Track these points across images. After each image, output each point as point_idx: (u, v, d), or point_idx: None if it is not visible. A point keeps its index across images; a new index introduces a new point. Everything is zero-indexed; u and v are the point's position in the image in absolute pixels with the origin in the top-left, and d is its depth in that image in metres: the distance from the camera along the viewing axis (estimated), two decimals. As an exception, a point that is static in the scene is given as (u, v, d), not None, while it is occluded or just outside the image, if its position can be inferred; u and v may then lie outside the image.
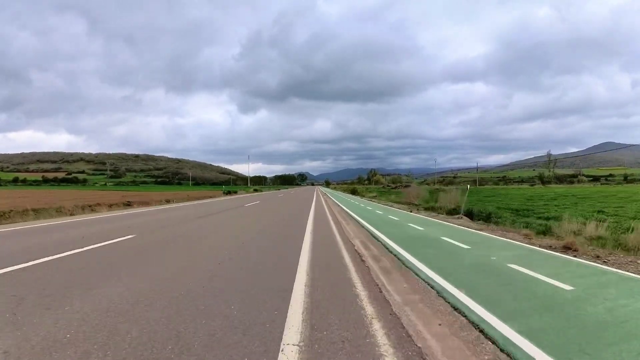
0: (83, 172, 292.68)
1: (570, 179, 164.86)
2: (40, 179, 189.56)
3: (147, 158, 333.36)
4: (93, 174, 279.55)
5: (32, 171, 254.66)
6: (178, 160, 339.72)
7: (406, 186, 64.46)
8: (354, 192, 53.71)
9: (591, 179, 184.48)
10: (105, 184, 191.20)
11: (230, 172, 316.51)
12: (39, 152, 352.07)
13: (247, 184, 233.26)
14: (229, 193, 43.24)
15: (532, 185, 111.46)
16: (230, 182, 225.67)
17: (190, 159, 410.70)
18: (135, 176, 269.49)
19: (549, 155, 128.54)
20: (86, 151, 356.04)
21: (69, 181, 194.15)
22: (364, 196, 43.40)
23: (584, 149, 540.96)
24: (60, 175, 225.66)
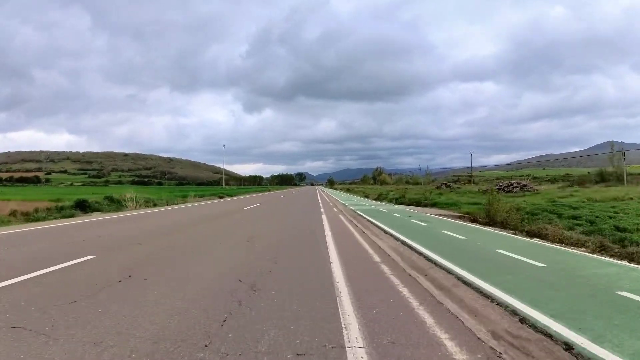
0: (65, 172, 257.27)
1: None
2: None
3: (137, 157, 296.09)
4: (75, 174, 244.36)
5: (14, 171, 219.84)
6: (170, 160, 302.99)
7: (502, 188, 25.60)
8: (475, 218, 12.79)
9: None
10: (72, 184, 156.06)
11: (224, 172, 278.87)
12: (25, 152, 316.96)
13: (241, 184, 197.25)
14: None
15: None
16: (220, 182, 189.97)
17: (192, 159, 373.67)
18: (120, 176, 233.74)
19: (612, 146, 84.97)
20: (74, 150, 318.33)
21: (28, 181, 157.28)
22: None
23: (586, 148, 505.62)
24: (38, 175, 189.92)
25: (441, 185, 45.49)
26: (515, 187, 27.88)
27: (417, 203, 20.76)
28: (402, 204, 22.73)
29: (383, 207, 19.19)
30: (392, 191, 37.37)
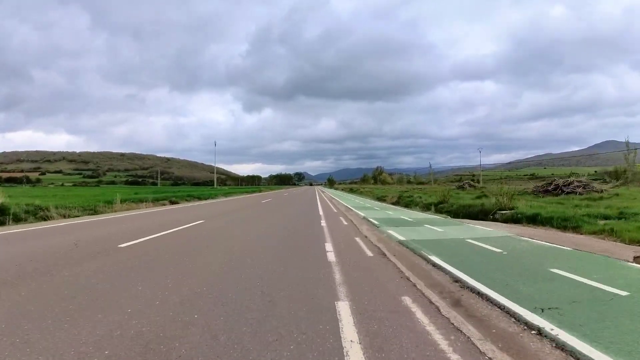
0: (60, 172, 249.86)
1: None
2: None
3: (134, 157, 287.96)
4: (70, 174, 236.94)
5: (9, 171, 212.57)
6: (167, 159, 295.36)
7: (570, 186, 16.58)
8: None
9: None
10: (62, 184, 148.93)
11: (221, 172, 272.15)
12: (21, 152, 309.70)
13: (239, 184, 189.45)
14: None
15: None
16: (216, 182, 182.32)
17: (190, 159, 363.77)
18: (115, 176, 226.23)
19: (627, 144, 76.14)
20: (70, 150, 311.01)
21: (17, 181, 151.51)
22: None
23: (585, 147, 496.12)
24: (29, 175, 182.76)
25: (464, 184, 38.02)
26: (577, 187, 20.65)
27: (482, 214, 12.73)
28: (448, 212, 15.01)
29: (456, 229, 9.32)
30: (409, 192, 29.74)
